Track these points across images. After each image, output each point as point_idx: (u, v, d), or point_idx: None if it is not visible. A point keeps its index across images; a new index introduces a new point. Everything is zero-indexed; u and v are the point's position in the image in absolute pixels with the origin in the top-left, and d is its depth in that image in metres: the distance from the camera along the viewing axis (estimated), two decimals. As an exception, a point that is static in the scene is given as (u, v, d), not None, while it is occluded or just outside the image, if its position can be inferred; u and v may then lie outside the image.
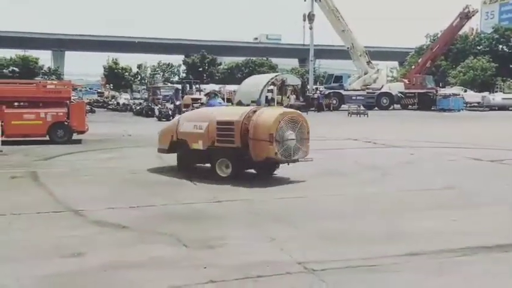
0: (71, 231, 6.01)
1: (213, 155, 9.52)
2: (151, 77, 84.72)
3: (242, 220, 6.64)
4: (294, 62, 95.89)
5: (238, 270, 4.71)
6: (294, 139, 9.00)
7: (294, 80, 44.15)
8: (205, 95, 11.49)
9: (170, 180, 9.39)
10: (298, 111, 10.44)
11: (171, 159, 10.64)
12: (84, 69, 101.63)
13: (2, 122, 14.76)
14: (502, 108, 40.78)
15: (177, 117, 11.18)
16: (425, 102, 41.77)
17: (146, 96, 52.46)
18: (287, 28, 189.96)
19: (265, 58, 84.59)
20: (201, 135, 9.55)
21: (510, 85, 53.99)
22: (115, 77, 74.79)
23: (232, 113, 9.74)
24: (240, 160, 9.29)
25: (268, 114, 9.08)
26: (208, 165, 9.93)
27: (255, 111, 9.26)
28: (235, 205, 7.52)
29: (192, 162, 10.22)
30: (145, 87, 67.64)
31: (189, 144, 9.78)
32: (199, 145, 9.61)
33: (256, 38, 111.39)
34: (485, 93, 45.94)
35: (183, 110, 29.45)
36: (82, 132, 16.37)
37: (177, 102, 29.08)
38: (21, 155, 12.88)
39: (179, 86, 34.89)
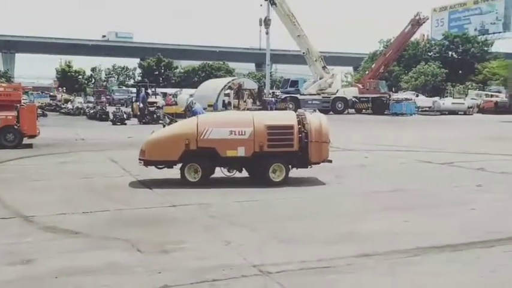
0: (21, 238, 5.83)
1: (263, 161, 9.24)
2: (106, 80, 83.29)
3: (198, 224, 6.61)
4: (250, 67, 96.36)
5: (193, 274, 4.68)
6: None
7: (250, 84, 44.35)
8: (183, 110, 11.03)
9: (125, 185, 9.23)
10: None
11: (127, 163, 10.45)
12: (36, 72, 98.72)
13: None
14: (452, 112, 42.13)
15: (183, 123, 9.96)
16: (379, 107, 42.65)
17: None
18: (244, 32, 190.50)
19: (222, 62, 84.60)
20: (243, 141, 9.08)
21: (459, 90, 55.88)
22: (68, 80, 73.20)
23: (283, 117, 9.84)
24: (296, 164, 9.49)
25: (322, 117, 9.70)
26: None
27: (302, 115, 9.58)
28: (190, 209, 7.47)
29: (212, 171, 9.48)
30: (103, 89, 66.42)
31: (220, 151, 9.08)
32: (238, 152, 9.11)
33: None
34: (436, 98, 47.38)
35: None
36: (33, 136, 15.91)
37: (141, 105, 28.92)
38: (-32, 160, 12.41)
39: (148, 91, 34.33)
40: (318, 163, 9.57)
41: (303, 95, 42.84)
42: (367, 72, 54.17)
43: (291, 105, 41.30)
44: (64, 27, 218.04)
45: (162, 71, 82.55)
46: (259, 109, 37.70)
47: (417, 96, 47.59)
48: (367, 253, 5.32)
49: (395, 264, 5.05)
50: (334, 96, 43.17)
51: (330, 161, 9.66)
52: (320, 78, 44.04)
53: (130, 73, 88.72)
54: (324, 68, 44.53)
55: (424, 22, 47.71)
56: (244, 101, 39.11)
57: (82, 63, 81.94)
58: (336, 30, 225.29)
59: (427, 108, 44.16)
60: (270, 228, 6.39)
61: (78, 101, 48.16)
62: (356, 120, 34.49)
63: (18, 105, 15.94)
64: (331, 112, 41.44)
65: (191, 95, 11.50)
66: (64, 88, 67.70)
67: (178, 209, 7.44)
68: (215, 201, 7.93)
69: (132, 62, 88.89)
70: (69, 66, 76.21)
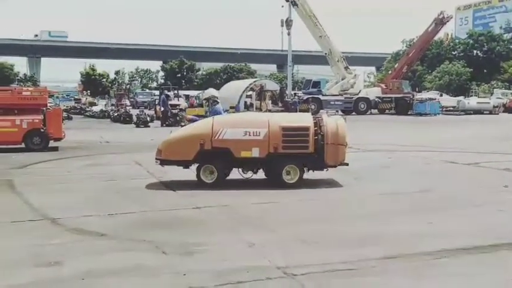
0: (48, 240, 5.93)
1: (278, 162, 9.23)
2: (129, 83, 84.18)
3: (221, 226, 6.63)
4: (272, 68, 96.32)
5: (218, 276, 4.70)
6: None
7: (272, 86, 44.30)
8: (204, 99, 11.04)
9: (149, 187, 9.32)
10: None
11: (150, 166, 10.50)
12: (61, 75, 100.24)
13: (-24, 129, 14.50)
14: (477, 112, 41.43)
15: (198, 123, 10.01)
16: (402, 107, 42.19)
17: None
18: (265, 33, 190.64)
19: (243, 64, 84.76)
20: (258, 142, 9.10)
21: (484, 89, 54.98)
22: (92, 84, 74.16)
23: (299, 119, 9.86)
24: (312, 166, 9.46)
25: (339, 120, 9.66)
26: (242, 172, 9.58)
27: (319, 118, 9.55)
28: (214, 211, 7.51)
29: (228, 172, 9.55)
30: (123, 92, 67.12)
31: (235, 152, 9.12)
32: (252, 153, 9.13)
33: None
34: (461, 98, 46.63)
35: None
36: (59, 139, 16.16)
37: (162, 109, 29.20)
38: (-4, 163, 12.67)
39: (169, 93, 34.63)
40: (335, 166, 9.49)
41: (325, 95, 42.61)
42: (390, 72, 53.66)
43: (313, 106, 41.19)
44: (86, 31, 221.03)
45: (185, 73, 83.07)
46: (281, 110, 37.69)
47: (441, 95, 46.90)
48: (392, 255, 5.28)
49: (421, 266, 5.00)
50: (356, 96, 42.84)
51: (347, 164, 9.54)
52: (342, 79, 43.76)
53: (153, 76, 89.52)
54: (346, 68, 44.24)
55: (448, 21, 47.04)
56: (266, 103, 39.08)
57: (106, 67, 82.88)
58: (358, 30, 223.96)
59: (451, 108, 43.52)
60: (292, 230, 6.38)
61: (102, 104, 48.77)
62: (379, 121, 34.20)
63: (44, 108, 16.20)
64: (353, 113, 41.16)
65: (207, 99, 11.32)
66: (88, 91, 68.60)
67: (201, 211, 7.48)
68: (237, 203, 7.95)
69: (155, 65, 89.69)
70: (93, 70, 77.22)
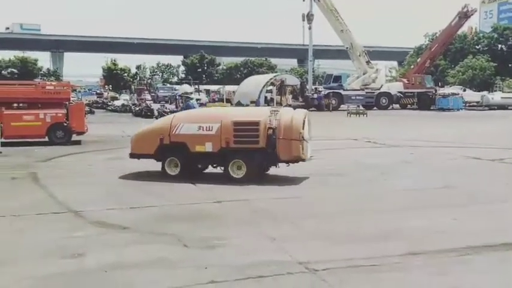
0: (72, 232, 6.00)
1: (229, 157, 9.22)
2: (150, 78, 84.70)
3: (242, 220, 6.63)
4: (293, 62, 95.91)
5: (239, 270, 4.69)
6: (308, 138, 9.34)
7: (293, 80, 44.16)
8: (179, 96, 11.23)
9: (170, 180, 9.35)
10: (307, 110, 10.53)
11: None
12: (83, 70, 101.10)
13: (1, 123, 14.74)
14: (501, 107, 40.76)
15: (163, 119, 10.34)
16: (425, 102, 41.74)
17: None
18: (286, 28, 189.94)
19: (264, 58, 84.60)
20: (211, 136, 9.17)
21: (509, 84, 53.99)
22: (114, 78, 74.72)
23: (251, 113, 9.73)
24: (263, 160, 9.30)
25: (296, 114, 9.29)
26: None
27: (276, 111, 9.30)
28: (235, 205, 7.51)
29: (189, 166, 9.64)
30: (145, 87, 67.61)
31: (190, 147, 9.29)
32: (206, 147, 9.23)
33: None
34: (485, 93, 45.90)
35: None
36: (81, 133, 16.35)
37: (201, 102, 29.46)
38: (21, 157, 12.87)
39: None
40: (288, 161, 9.23)
41: (346, 90, 42.35)
42: (412, 66, 53.03)
43: (334, 101, 40.96)
44: (108, 26, 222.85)
45: (205, 68, 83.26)
46: (302, 105, 37.57)
47: (464, 90, 46.22)
48: (415, 251, 5.22)
49: (444, 263, 4.93)
50: (378, 91, 42.49)
51: (303, 160, 9.22)
52: (364, 73, 43.44)
53: (174, 70, 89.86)
54: (367, 62, 43.89)
55: (472, 14, 46.25)
56: (287, 98, 39.01)
57: (127, 61, 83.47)
58: (380, 24, 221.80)
59: (475, 103, 42.89)
60: (314, 224, 6.36)
61: (124, 98, 49.17)
62: (401, 116, 33.86)
63: (67, 103, 16.39)
64: (375, 108, 40.86)
65: (181, 96, 11.70)
66: (110, 86, 69.19)
67: (222, 205, 7.49)
68: (257, 197, 7.95)
69: (176, 60, 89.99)
70: (114, 64, 77.74)
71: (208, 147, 9.21)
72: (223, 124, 9.14)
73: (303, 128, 9.08)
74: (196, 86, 63.51)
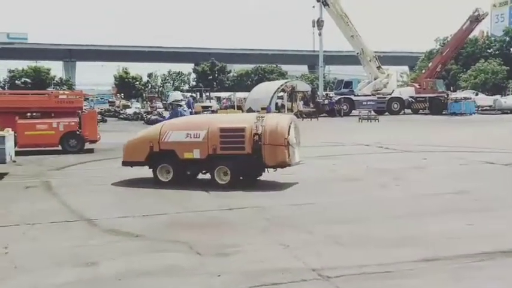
0: (85, 241, 6.03)
1: (215, 163, 9.33)
2: (162, 86, 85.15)
3: (255, 227, 6.63)
4: (303, 69, 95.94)
5: (252, 277, 4.69)
6: (295, 143, 9.40)
7: (303, 87, 44.14)
8: (169, 104, 11.32)
9: (182, 188, 9.37)
10: (294, 116, 10.59)
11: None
12: (95, 79, 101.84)
13: (15, 132, 14.87)
14: (514, 111, 40.40)
15: (153, 127, 10.50)
16: (437, 107, 41.49)
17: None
18: (296, 34, 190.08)
19: (274, 65, 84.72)
20: (198, 143, 9.33)
21: (522, 88, 53.55)
22: (126, 86, 75.18)
23: (237, 120, 9.84)
24: (249, 166, 9.34)
25: (281, 120, 9.42)
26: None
27: (261, 117, 9.36)
28: (246, 212, 7.51)
29: (180, 172, 9.74)
30: (156, 95, 67.92)
31: (179, 154, 9.44)
32: (194, 154, 9.39)
33: None
34: (497, 97, 45.53)
35: None
36: (94, 141, 16.45)
37: (190, 110, 29.51)
38: (35, 165, 12.98)
39: (194, 95, 35.26)
40: (275, 167, 9.32)
41: (358, 96, 42.23)
42: (423, 71, 52.77)
43: (345, 107, 40.86)
44: (119, 35, 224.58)
45: (216, 75, 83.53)
46: (313, 111, 37.50)
47: (477, 95, 45.95)
48: (429, 258, 5.18)
49: (459, 269, 4.89)
50: (389, 96, 42.32)
51: (289, 165, 9.25)
52: (375, 79, 43.29)
53: (185, 78, 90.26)
54: (378, 68, 43.76)
55: (483, 18, 45.99)
56: (297, 104, 38.99)
57: (139, 70, 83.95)
58: (390, 30, 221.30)
59: (487, 108, 42.54)
60: (326, 231, 6.33)
61: (136, 106, 49.43)
62: (413, 121, 33.68)
63: (80, 111, 16.51)
64: (386, 113, 40.69)
65: (171, 103, 11.81)
66: (122, 94, 69.62)
67: (234, 212, 7.49)
68: (270, 204, 7.94)
69: (187, 67, 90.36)
70: (126, 73, 78.26)
71: (196, 153, 9.40)
72: (210, 131, 9.32)
73: (289, 134, 9.16)
74: (207, 94, 63.78)
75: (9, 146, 11.20)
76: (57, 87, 67.26)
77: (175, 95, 12.06)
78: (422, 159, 13.14)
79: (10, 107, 15.66)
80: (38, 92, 23.14)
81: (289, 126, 9.25)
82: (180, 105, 11.35)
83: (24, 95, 19.61)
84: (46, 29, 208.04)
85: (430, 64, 50.26)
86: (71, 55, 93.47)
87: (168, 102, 11.98)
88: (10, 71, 74.85)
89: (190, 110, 29.25)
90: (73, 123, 15.97)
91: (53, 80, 76.05)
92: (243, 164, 9.27)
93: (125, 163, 10.15)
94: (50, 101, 16.37)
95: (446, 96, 42.63)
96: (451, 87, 53.63)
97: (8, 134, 11.33)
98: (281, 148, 9.01)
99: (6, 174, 11.40)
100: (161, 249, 5.71)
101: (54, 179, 10.62)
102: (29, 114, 15.81)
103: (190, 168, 9.75)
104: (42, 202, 8.39)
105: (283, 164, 9.21)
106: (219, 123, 9.48)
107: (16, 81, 69.12)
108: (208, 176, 9.66)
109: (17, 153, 13.77)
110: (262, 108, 39.65)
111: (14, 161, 11.99)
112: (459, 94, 45.45)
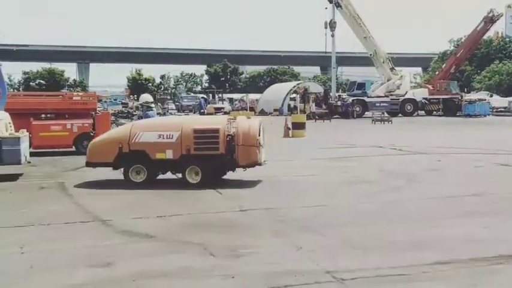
0: (99, 241, 6.06)
1: (187, 163, 9.58)
2: (174, 87, 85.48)
3: (267, 229, 6.61)
4: (316, 70, 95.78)
5: (266, 279, 4.67)
6: (263, 144, 9.86)
7: (316, 88, 44.09)
8: (139, 105, 11.24)
9: (195, 189, 9.40)
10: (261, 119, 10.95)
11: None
12: (109, 80, 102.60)
13: (29, 133, 15.00)
14: (530, 112, 40.00)
15: (121, 127, 10.56)
16: (451, 108, 41.20)
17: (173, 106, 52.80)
18: (308, 36, 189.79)
19: (287, 66, 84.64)
20: (171, 144, 9.52)
21: (537, 89, 52.95)
22: (139, 88, 75.52)
23: (210, 122, 10.23)
24: (221, 166, 9.75)
25: (252, 121, 9.96)
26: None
27: (233, 119, 9.80)
28: (259, 214, 7.50)
29: (152, 172, 9.92)
30: (169, 97, 68.23)
31: (151, 154, 9.60)
32: (166, 155, 9.57)
33: None
34: (512, 98, 45.13)
35: None
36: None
37: (202, 111, 29.66)
38: (49, 166, 13.09)
39: (205, 96, 35.41)
40: (246, 166, 9.67)
41: (371, 97, 42.07)
42: (437, 72, 52.41)
43: (357, 108, 40.72)
44: (132, 36, 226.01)
45: (228, 76, 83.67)
46: (325, 113, 37.41)
47: (491, 96, 45.53)
48: (445, 261, 5.12)
49: (475, 273, 4.83)
50: (403, 98, 42.09)
51: (260, 164, 9.64)
52: (388, 80, 43.09)
53: (198, 80, 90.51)
54: (391, 69, 43.55)
55: (498, 19, 45.59)
56: (310, 106, 38.93)
57: (152, 71, 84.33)
58: (403, 31, 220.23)
59: (502, 109, 42.17)
60: (340, 233, 6.29)
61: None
62: (427, 123, 33.47)
63: (93, 113, 16.62)
64: (400, 114, 40.48)
65: (142, 104, 11.92)
66: (135, 96, 69.97)
67: (247, 214, 7.48)
68: (282, 206, 7.93)
69: (200, 69, 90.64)
70: (139, 75, 78.66)
71: (169, 154, 9.58)
72: (183, 132, 9.55)
73: (259, 135, 9.61)
74: (220, 95, 63.88)
75: (24, 147, 11.30)
76: (71, 89, 67.75)
77: (146, 97, 12.07)
78: (436, 161, 13.04)
79: (25, 109, 15.77)
80: (52, 93, 23.29)
81: (259, 129, 9.71)
82: (151, 108, 11.50)
83: (38, 96, 19.78)
84: (60, 31, 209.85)
85: (443, 65, 49.92)
86: (84, 57, 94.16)
87: (138, 103, 11.90)
88: (25, 73, 75.58)
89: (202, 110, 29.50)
90: (87, 125, 16.07)
91: (67, 81, 76.68)
92: (215, 164, 9.63)
93: (89, 164, 10.18)
94: (64, 102, 16.52)
95: (460, 98, 42.31)
96: (465, 89, 53.20)
97: (23, 135, 11.44)
98: (253, 148, 9.47)
99: (21, 175, 11.51)
100: (175, 250, 5.72)
101: (68, 180, 10.69)
102: (43, 115, 15.95)
103: (161, 169, 10.01)
104: (56, 203, 8.44)
105: (255, 164, 9.62)
106: (192, 125, 9.76)
107: (30, 83, 69.81)
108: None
109: (32, 154, 13.90)
110: (275, 110, 40.17)
111: (29, 162, 12.10)
112: (473, 95, 45.08)
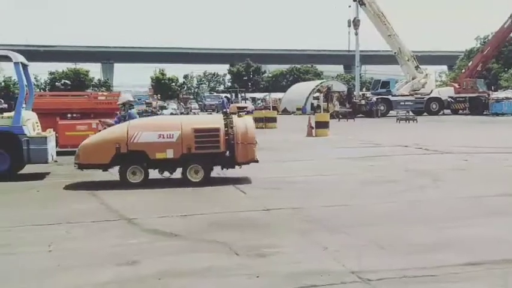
0: (125, 240, 6.10)
1: (188, 162, 9.73)
2: (197, 87, 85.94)
3: (292, 228, 6.57)
4: (339, 69, 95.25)
5: (291, 279, 4.64)
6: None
7: (339, 87, 43.86)
8: (121, 104, 11.04)
9: (219, 188, 9.43)
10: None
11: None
12: (133, 80, 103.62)
13: (56, 133, 15.23)
14: (559, 111, 39.05)
15: (115, 127, 10.47)
16: (477, 107, 40.58)
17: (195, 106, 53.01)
18: (332, 34, 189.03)
19: (309, 65, 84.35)
20: (172, 144, 9.62)
21: None
22: (162, 88, 76.16)
23: (208, 121, 10.54)
24: (224, 164, 10.01)
25: (248, 121, 10.27)
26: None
27: (229, 118, 10.03)
28: (284, 213, 7.46)
29: (148, 173, 9.92)
30: (192, 96, 68.64)
31: (150, 154, 9.63)
32: (167, 154, 9.65)
33: None
34: (541, 96, 44.16)
35: None
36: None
37: (224, 110, 29.68)
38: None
39: (228, 95, 35.50)
40: (245, 163, 9.95)
41: (395, 96, 41.69)
42: (463, 70, 51.67)
43: (382, 107, 40.37)
44: (156, 36, 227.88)
45: (251, 76, 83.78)
46: (349, 112, 37.18)
47: (519, 94, 44.65)
48: (475, 261, 5.02)
49: (507, 274, 4.72)
50: (428, 96, 41.64)
51: (257, 161, 9.97)
52: (413, 79, 42.66)
53: (221, 79, 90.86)
54: (416, 67, 43.09)
55: (526, 16, 44.72)
56: (333, 104, 38.74)
57: (175, 71, 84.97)
58: (429, 28, 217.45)
59: (530, 108, 41.29)
60: (366, 233, 6.22)
61: (172, 107, 50.07)
62: (453, 121, 33.00)
63: (118, 112, 16.76)
64: (425, 113, 40.04)
65: (124, 103, 11.83)
66: (159, 95, 70.55)
67: (271, 213, 7.46)
68: (307, 205, 7.88)
69: (223, 68, 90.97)
70: (162, 74, 79.31)
71: (169, 153, 9.67)
72: (184, 131, 9.66)
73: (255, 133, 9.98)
74: (243, 94, 64.01)
75: (51, 147, 11.48)
76: (96, 89, 68.64)
77: (127, 96, 12.09)
78: (463, 160, 12.84)
79: (51, 109, 16.03)
80: (78, 93, 23.64)
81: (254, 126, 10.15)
82: (133, 106, 11.56)
83: (64, 96, 20.07)
84: (85, 32, 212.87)
85: (470, 63, 49.19)
86: (109, 57, 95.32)
87: (120, 103, 11.66)
88: (51, 73, 76.86)
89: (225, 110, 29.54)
90: (112, 124, 16.21)
91: (92, 81, 77.74)
92: (215, 162, 9.90)
93: (82, 166, 9.97)
94: (89, 102, 16.73)
95: (487, 96, 41.65)
96: (492, 87, 52.32)
97: (50, 134, 11.62)
98: (251, 146, 9.82)
99: (48, 173, 11.70)
100: (200, 249, 5.73)
101: (93, 179, 10.80)
102: (69, 115, 16.18)
103: (161, 168, 10.08)
104: (82, 201, 8.54)
105: (253, 160, 9.93)
106: (191, 124, 9.92)
107: (56, 83, 70.90)
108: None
109: (58, 153, 14.10)
110: (298, 109, 40.07)
111: (56, 161, 12.28)
112: (501, 94, 44.29)
